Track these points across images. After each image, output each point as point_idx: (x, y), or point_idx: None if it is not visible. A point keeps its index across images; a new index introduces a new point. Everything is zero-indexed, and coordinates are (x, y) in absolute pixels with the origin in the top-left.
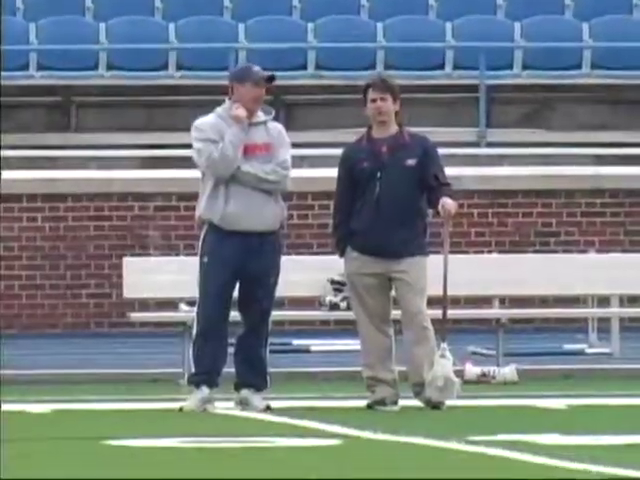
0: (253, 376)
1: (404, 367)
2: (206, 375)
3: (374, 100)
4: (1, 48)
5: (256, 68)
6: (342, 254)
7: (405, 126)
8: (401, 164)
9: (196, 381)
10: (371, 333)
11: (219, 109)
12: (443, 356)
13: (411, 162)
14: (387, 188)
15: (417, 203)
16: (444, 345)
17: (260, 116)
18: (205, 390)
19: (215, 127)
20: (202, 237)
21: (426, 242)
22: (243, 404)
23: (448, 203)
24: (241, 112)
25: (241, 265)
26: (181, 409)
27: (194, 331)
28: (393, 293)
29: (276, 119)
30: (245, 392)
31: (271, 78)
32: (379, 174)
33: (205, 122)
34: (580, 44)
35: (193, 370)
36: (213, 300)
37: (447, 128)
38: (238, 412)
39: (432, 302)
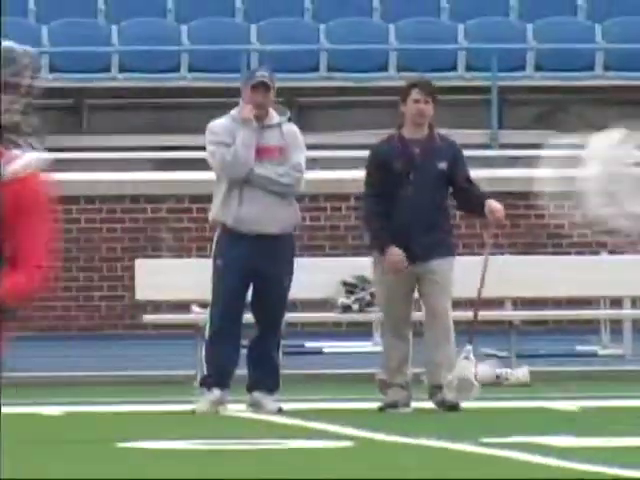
0: (265, 378)
1: (420, 368)
2: (218, 377)
3: (417, 101)
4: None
5: (259, 72)
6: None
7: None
8: (433, 167)
9: (208, 383)
10: (393, 341)
11: (233, 111)
12: (467, 358)
13: (442, 165)
14: (419, 190)
15: (446, 205)
16: (469, 347)
17: (274, 118)
18: (217, 392)
19: (228, 129)
20: (215, 239)
21: (454, 243)
22: (255, 406)
23: (497, 207)
24: (246, 113)
25: (254, 267)
26: (193, 411)
27: (206, 333)
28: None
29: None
30: (257, 394)
31: (264, 84)
32: (411, 176)
33: (218, 124)
34: (592, 45)
35: (205, 372)
36: (226, 302)
37: (459, 130)
38: (250, 414)
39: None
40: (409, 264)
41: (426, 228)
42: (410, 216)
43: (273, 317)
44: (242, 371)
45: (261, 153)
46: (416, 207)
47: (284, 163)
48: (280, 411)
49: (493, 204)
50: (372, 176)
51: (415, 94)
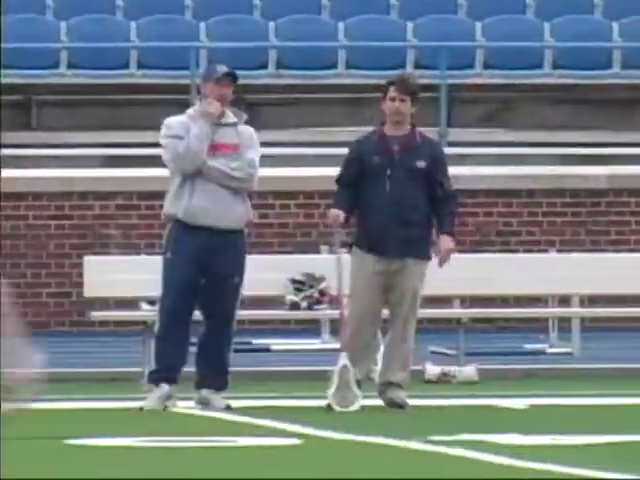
0: (214, 376)
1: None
2: (166, 372)
3: (393, 99)
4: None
5: (220, 67)
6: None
7: (417, 127)
8: (410, 165)
9: (156, 378)
10: (356, 334)
11: (190, 110)
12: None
13: (420, 164)
14: (396, 187)
15: (423, 205)
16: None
17: (230, 117)
18: (165, 387)
19: (183, 125)
20: (166, 233)
21: (430, 245)
22: (203, 403)
23: (447, 248)
24: (214, 107)
25: (205, 262)
26: (142, 408)
27: (156, 328)
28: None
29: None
30: (205, 392)
31: (231, 75)
32: (388, 171)
33: (174, 120)
34: (541, 43)
35: (154, 367)
36: (176, 297)
37: None
38: (199, 411)
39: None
40: (383, 260)
41: (401, 225)
42: (386, 212)
43: (224, 314)
44: (191, 368)
45: (215, 149)
46: (392, 203)
47: (238, 159)
48: (228, 408)
49: (445, 244)
50: (347, 170)
51: (391, 92)
